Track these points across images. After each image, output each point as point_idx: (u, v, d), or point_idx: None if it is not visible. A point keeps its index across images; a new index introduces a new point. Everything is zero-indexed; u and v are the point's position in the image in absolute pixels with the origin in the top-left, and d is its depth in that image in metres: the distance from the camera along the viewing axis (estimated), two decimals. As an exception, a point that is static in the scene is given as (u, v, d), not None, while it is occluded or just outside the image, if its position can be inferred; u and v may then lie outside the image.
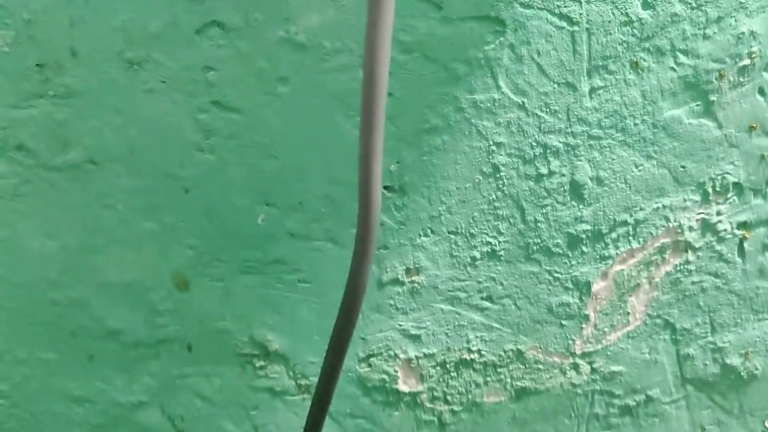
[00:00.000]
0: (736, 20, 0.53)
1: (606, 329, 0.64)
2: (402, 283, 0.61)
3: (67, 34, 0.50)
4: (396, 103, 0.54)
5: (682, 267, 0.62)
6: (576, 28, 0.52)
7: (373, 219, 0.45)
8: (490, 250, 0.60)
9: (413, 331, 0.63)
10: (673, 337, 0.66)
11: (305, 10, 0.50)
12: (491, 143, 0.56)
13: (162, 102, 0.53)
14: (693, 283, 0.63)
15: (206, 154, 0.54)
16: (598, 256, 0.61)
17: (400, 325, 0.63)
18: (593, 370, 0.66)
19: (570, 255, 0.61)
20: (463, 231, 0.59)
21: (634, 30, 0.53)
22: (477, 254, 0.60)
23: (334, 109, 0.53)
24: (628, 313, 0.64)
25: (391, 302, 0.62)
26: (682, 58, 0.54)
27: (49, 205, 0.56)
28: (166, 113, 0.53)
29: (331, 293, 0.61)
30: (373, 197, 0.44)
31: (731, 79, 0.55)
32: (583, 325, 0.64)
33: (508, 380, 0.65)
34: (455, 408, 0.65)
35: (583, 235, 0.60)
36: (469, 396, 0.65)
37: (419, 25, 0.51)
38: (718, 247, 0.62)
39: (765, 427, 0.71)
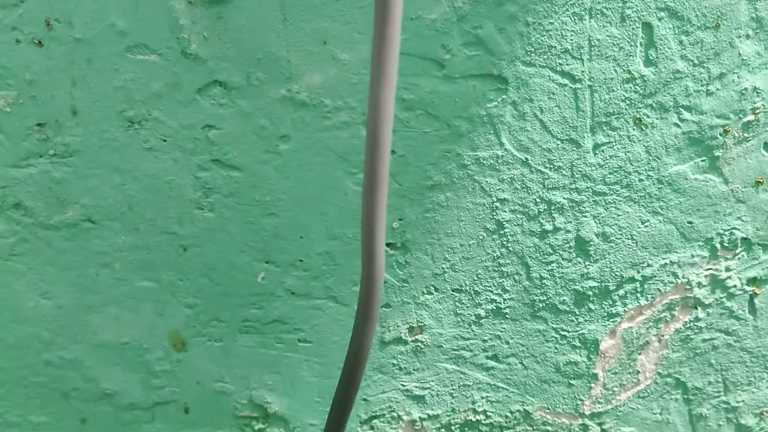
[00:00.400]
0: (738, 76, 0.53)
1: (615, 389, 0.63)
2: (405, 342, 0.59)
3: (68, 94, 0.50)
4: (399, 160, 0.53)
5: (692, 324, 0.61)
6: (578, 85, 0.52)
7: (377, 279, 0.44)
8: (495, 308, 0.59)
9: (417, 392, 0.61)
10: (685, 396, 0.64)
11: (307, 69, 0.50)
12: (495, 200, 0.55)
13: (162, 160, 0.52)
14: (704, 340, 0.62)
15: (206, 212, 0.54)
16: (605, 314, 0.60)
17: (404, 386, 0.61)
18: (603, 432, 0.63)
19: (577, 312, 0.59)
20: (468, 288, 0.58)
21: (637, 87, 0.52)
22: (482, 312, 0.59)
23: (335, 166, 0.53)
24: (638, 372, 0.62)
25: (394, 362, 0.60)
26: (685, 114, 0.54)
27: (45, 264, 0.55)
28: (167, 171, 0.53)
29: (333, 353, 0.59)
30: (377, 256, 0.43)
31: (736, 134, 0.55)
32: (592, 385, 0.62)
33: (516, 442, 0.63)
34: (461, 472, 0.63)
35: (590, 292, 0.59)
36: (476, 459, 0.63)
37: (422, 83, 0.51)
38: (728, 304, 0.61)
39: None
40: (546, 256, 0.57)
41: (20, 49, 0.49)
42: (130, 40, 0.49)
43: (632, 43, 0.51)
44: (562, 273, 0.58)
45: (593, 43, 0.51)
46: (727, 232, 0.58)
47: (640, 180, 0.55)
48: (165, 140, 0.52)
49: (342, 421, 0.49)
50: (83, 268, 0.55)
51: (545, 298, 0.59)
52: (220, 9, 0.48)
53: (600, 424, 0.63)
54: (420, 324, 0.59)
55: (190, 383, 0.59)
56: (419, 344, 0.60)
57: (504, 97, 0.52)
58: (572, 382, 0.62)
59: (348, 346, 0.45)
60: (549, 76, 0.52)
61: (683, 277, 0.59)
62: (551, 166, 0.54)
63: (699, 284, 0.60)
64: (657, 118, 0.54)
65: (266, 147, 0.52)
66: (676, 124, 0.54)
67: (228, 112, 0.51)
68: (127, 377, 0.59)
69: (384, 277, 0.55)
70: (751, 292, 0.61)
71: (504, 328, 0.60)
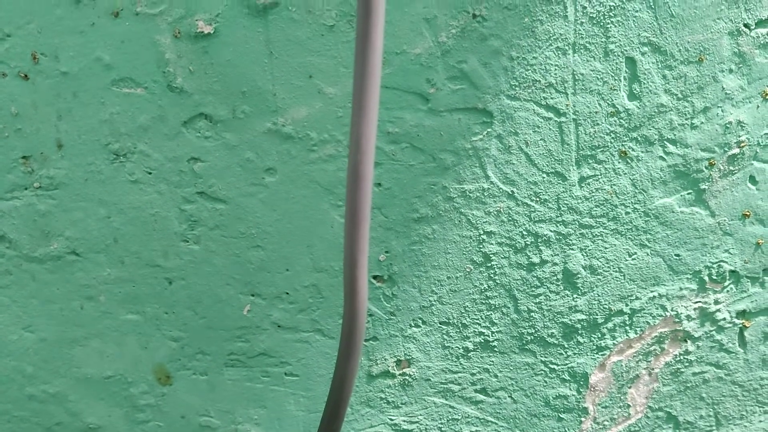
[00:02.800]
0: (722, 110, 0.53)
1: (606, 423, 0.62)
2: (393, 376, 0.59)
3: (54, 127, 0.50)
4: (385, 192, 0.53)
5: (681, 357, 0.60)
6: (563, 118, 0.52)
7: (360, 313, 0.43)
8: (483, 341, 0.58)
9: (405, 426, 0.60)
10: (677, 431, 0.63)
11: (293, 103, 0.50)
12: (481, 232, 0.55)
13: (147, 192, 0.52)
14: (694, 374, 0.61)
15: (191, 245, 0.54)
16: (594, 347, 0.59)
17: (392, 420, 0.60)
18: (594, 467, 0.63)
19: (566, 345, 0.59)
20: (455, 321, 0.58)
21: (621, 120, 0.53)
22: (470, 345, 0.58)
23: (320, 199, 0.53)
24: (629, 406, 0.61)
25: (382, 395, 0.59)
26: (670, 147, 0.54)
27: (29, 297, 0.54)
28: (152, 204, 0.52)
29: (319, 386, 0.58)
30: (359, 290, 0.42)
31: (721, 167, 0.55)
32: (582, 419, 0.61)
33: (506, 478, 0.62)
34: (450, 508, 0.62)
35: (578, 325, 0.58)
36: (465, 495, 0.62)
37: (407, 116, 0.51)
38: (718, 337, 0.60)
39: None
40: (533, 289, 0.57)
41: (6, 83, 0.49)
42: (116, 74, 0.49)
43: (616, 78, 0.52)
44: (550, 306, 0.58)
45: (577, 78, 0.51)
46: (715, 265, 0.58)
47: (627, 213, 0.55)
48: (150, 173, 0.52)
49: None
50: (67, 301, 0.54)
51: (533, 331, 0.58)
52: (205, 43, 0.48)
53: (591, 459, 0.62)
54: (408, 357, 0.58)
55: (175, 418, 0.58)
56: (407, 378, 0.59)
57: (489, 130, 0.52)
58: (562, 416, 0.61)
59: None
60: (534, 109, 0.52)
61: (672, 310, 0.59)
62: (537, 199, 0.54)
63: (688, 317, 0.59)
64: (642, 152, 0.54)
65: (252, 180, 0.52)
66: (661, 158, 0.54)
67: (213, 145, 0.51)
68: (111, 411, 0.58)
69: (367, 312, 0.55)
70: (740, 325, 0.60)
71: (492, 362, 0.59)
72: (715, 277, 0.58)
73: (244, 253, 0.54)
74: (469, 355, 0.59)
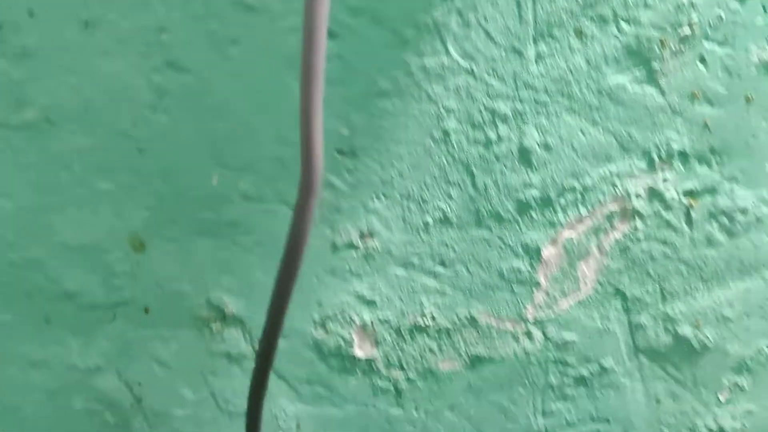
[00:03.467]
0: (675, -12, 0.55)
1: (557, 296, 0.66)
2: (356, 247, 0.62)
3: (22, -7, 0.51)
4: (345, 65, 0.55)
5: (630, 234, 0.64)
6: (520, -7, 0.54)
7: (315, 170, 0.46)
8: (442, 216, 0.61)
9: (368, 296, 0.64)
10: (625, 305, 0.67)
11: (255, -28, 0.52)
12: (441, 108, 0.57)
13: (117, 62, 0.54)
14: (642, 251, 0.65)
15: (159, 115, 0.56)
16: (547, 222, 0.62)
17: (355, 290, 0.64)
18: (546, 338, 0.67)
19: (520, 221, 0.62)
20: (416, 196, 0.60)
21: (577, -4, 0.54)
22: (429, 219, 0.61)
23: (284, 71, 0.55)
24: (579, 280, 0.65)
25: (346, 266, 0.63)
26: (624, 25, 0.56)
27: (5, 164, 0.57)
28: (121, 73, 0.54)
29: (287, 257, 0.61)
30: (315, 156, 0.45)
31: (672, 47, 0.57)
32: (534, 291, 0.65)
33: (462, 347, 0.66)
34: (411, 375, 0.66)
35: (532, 201, 0.61)
36: (424, 363, 0.66)
37: (367, -12, 0.53)
38: (666, 215, 0.63)
39: (719, 399, 0.73)
40: (490, 165, 0.60)
41: (-27, -54, 0.50)
42: (81, -60, 0.50)
43: (572, -48, 0.53)
44: (506, 182, 0.61)
45: (534, -49, 0.53)
46: (664, 144, 0.60)
47: (581, 90, 0.58)
48: (119, 42, 0.53)
49: (280, 317, 0.51)
50: (43, 168, 0.57)
51: (490, 207, 0.61)
52: None
53: (543, 330, 0.66)
54: (370, 230, 0.61)
55: (150, 284, 0.62)
56: (369, 249, 0.62)
57: (449, 4, 0.54)
58: (515, 288, 0.65)
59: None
60: (491, -17, 0.53)
61: (622, 188, 0.62)
62: (495, 75, 0.56)
63: (637, 195, 0.62)
64: (597, 30, 0.56)
65: (217, 50, 0.54)
66: (615, 36, 0.56)
67: (179, 15, 0.52)
68: (89, 278, 0.61)
69: (333, 182, 0.57)
70: (687, 204, 0.63)
71: (451, 236, 0.62)
72: (663, 157, 0.61)
73: (211, 124, 0.56)
74: (428, 229, 0.62)
